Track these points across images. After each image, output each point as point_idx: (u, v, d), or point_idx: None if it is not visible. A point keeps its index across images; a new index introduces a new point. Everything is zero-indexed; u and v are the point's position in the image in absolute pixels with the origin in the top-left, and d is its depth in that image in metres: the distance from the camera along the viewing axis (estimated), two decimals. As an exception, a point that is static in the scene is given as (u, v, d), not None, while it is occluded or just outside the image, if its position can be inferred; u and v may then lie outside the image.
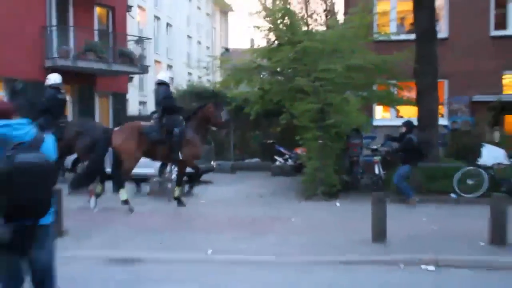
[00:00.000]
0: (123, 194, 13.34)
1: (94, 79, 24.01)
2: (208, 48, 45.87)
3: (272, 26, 16.90)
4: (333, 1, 29.96)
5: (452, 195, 15.04)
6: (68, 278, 7.06)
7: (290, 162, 21.76)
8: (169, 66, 37.78)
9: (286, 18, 16.79)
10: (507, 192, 12.36)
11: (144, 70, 25.56)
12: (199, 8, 43.21)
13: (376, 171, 16.21)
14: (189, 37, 41.02)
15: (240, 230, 11.42)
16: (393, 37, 18.80)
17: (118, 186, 13.76)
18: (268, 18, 17.03)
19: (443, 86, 20.51)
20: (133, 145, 13.41)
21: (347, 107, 15.49)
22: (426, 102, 16.29)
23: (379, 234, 10.15)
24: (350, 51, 16.30)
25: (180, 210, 13.86)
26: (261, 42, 19.60)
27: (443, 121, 19.73)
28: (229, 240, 10.49)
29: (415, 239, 10.42)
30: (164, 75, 14.80)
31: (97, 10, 25.15)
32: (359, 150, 17.02)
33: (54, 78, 15.75)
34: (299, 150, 22.16)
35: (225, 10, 50.13)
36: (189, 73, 39.50)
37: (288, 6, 17.28)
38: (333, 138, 15.58)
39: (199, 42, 43.40)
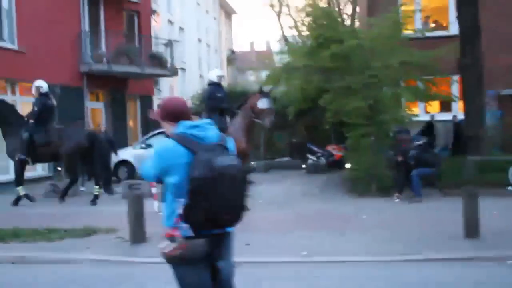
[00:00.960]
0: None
1: (126, 82, 23.25)
2: (216, 51, 45.23)
3: (314, 25, 16.32)
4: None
5: (510, 188, 14.45)
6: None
7: (322, 159, 21.06)
8: (182, 69, 37.10)
9: (326, 17, 16.28)
10: None
11: (174, 72, 24.90)
12: (207, 11, 42.50)
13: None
14: (199, 40, 40.26)
15: (317, 229, 10.75)
16: (428, 34, 18.18)
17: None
18: (308, 18, 16.49)
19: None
20: None
21: (395, 103, 14.99)
22: (473, 97, 15.74)
23: (472, 229, 9.51)
24: (390, 48, 15.76)
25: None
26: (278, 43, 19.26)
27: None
28: (316, 240, 9.81)
29: (507, 234, 9.74)
30: (212, 74, 13.87)
31: (124, 14, 24.34)
32: (408, 145, 16.34)
33: (44, 85, 14.70)
34: (330, 148, 21.61)
35: (229, 13, 49.54)
36: (201, 76, 38.78)
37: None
38: (383, 135, 15.01)
39: (208, 45, 42.67)
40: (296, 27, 28.82)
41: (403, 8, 18.02)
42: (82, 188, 16.65)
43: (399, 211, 12.59)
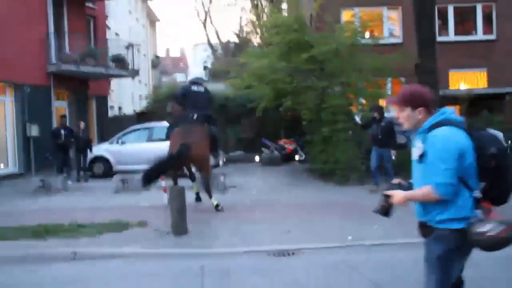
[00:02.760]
0: None
1: (87, 83, 21.84)
2: (145, 55, 43.72)
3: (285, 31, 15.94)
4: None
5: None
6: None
7: (275, 153, 20.71)
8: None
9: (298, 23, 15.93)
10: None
11: (134, 73, 23.76)
12: (137, 19, 41.02)
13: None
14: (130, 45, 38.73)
15: (337, 216, 10.35)
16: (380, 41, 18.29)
17: None
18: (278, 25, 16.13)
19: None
20: None
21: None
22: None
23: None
24: (350, 54, 15.73)
25: (247, 201, 12.44)
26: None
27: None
28: (346, 226, 9.40)
29: None
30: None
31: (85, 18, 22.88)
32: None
33: None
34: (282, 142, 21.32)
35: (153, 21, 48.19)
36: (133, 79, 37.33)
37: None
38: (358, 129, 14.87)
39: (138, 50, 41.12)
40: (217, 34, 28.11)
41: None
42: (70, 182, 15.45)
43: None
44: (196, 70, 13.88)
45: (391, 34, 21.80)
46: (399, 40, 21.19)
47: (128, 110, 34.20)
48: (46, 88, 19.08)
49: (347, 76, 15.02)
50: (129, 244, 8.42)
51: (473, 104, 20.74)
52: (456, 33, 22.49)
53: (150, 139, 17.62)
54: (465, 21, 23.35)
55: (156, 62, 48.11)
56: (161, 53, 65.75)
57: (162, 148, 16.73)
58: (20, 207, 12.34)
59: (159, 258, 7.91)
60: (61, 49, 19.96)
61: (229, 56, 43.27)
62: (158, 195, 13.19)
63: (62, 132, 16.27)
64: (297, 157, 20.83)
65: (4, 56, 16.92)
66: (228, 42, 45.44)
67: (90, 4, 23.24)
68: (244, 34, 46.41)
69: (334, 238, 8.58)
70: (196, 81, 11.95)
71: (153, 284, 6.70)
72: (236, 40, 46.36)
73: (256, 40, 41.28)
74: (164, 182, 12.06)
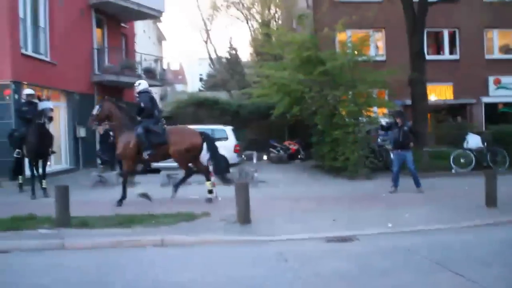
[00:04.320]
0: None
1: (123, 91, 21.34)
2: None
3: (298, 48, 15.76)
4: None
5: (453, 170, 14.70)
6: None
7: (282, 152, 20.54)
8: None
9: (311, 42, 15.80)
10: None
11: (163, 83, 23.34)
12: (149, 37, 40.36)
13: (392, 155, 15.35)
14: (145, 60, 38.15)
15: (368, 205, 10.22)
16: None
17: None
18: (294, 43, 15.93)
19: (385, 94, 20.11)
20: None
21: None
22: (420, 104, 15.85)
23: (492, 200, 9.56)
24: (355, 68, 15.65)
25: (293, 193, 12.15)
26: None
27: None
28: (380, 214, 9.24)
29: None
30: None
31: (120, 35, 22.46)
32: (377, 140, 16.19)
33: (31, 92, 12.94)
34: (287, 143, 21.16)
35: (160, 39, 47.49)
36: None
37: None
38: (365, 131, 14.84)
39: (161, 63, 40.48)
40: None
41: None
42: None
43: (405, 189, 11.87)
44: (144, 82, 13.49)
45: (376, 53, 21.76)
46: (383, 58, 21.20)
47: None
48: (90, 96, 18.64)
49: (355, 86, 14.91)
50: (203, 232, 8.12)
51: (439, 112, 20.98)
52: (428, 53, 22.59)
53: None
54: (434, 43, 23.49)
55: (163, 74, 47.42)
56: (164, 67, 65.00)
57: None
58: (90, 197, 11.94)
59: (234, 244, 7.64)
60: (102, 62, 19.48)
61: (221, 69, 43.03)
62: (199, 188, 12.94)
63: (111, 133, 15.79)
64: (299, 156, 20.74)
65: (61, 69, 16.60)
66: (221, 57, 45.12)
67: (123, 24, 22.76)
68: (234, 51, 46.36)
69: (377, 225, 8.42)
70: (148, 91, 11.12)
71: (243, 268, 6.42)
72: (228, 56, 46.07)
73: (251, 54, 41.00)
74: (213, 178, 11.77)
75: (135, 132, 10.47)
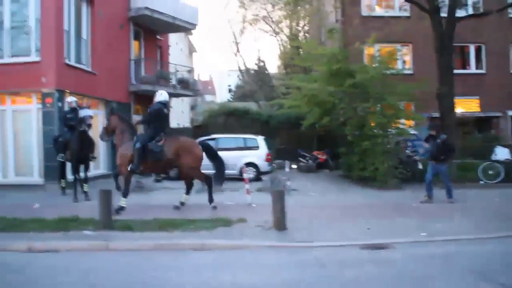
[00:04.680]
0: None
1: (157, 100, 21.60)
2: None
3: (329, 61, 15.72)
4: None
5: (481, 182, 14.42)
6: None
7: (310, 162, 20.43)
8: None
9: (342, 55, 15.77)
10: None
11: (196, 93, 23.54)
12: (181, 49, 40.82)
13: (419, 166, 15.13)
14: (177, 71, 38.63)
15: (400, 215, 10.03)
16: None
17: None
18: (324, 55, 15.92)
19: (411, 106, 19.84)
20: None
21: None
22: (449, 117, 15.59)
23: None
24: (384, 81, 15.51)
25: (330, 201, 12.05)
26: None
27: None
28: (415, 223, 9.09)
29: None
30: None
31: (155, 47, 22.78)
32: (405, 151, 15.95)
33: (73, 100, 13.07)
34: (315, 153, 21.04)
35: (191, 51, 48.00)
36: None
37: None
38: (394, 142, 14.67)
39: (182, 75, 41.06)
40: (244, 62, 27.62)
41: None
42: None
43: (435, 199, 11.70)
44: (165, 94, 13.34)
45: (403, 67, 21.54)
46: (411, 71, 20.95)
47: (173, 123, 33.90)
48: (127, 104, 18.90)
49: (384, 99, 14.78)
50: (241, 237, 8.13)
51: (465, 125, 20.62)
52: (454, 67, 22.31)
53: (215, 148, 17.21)
54: (460, 57, 23.15)
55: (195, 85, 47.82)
56: (195, 78, 65.58)
57: (226, 156, 16.67)
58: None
59: (273, 250, 7.60)
60: (139, 73, 19.75)
61: (250, 80, 43.26)
62: (232, 194, 12.98)
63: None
64: (328, 166, 20.60)
65: (101, 78, 16.91)
66: (249, 69, 45.29)
67: (158, 36, 23.05)
68: (262, 63, 46.58)
69: (410, 233, 8.30)
70: (165, 103, 10.72)
71: (283, 272, 6.40)
72: (256, 67, 46.28)
73: (279, 66, 41.08)
74: (248, 186, 11.80)
75: (133, 145, 10.34)
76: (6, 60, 14.77)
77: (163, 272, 6.37)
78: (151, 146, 10.26)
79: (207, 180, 10.87)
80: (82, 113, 12.35)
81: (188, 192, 10.99)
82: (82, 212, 9.85)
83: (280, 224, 8.58)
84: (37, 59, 14.45)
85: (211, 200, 10.82)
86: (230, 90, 61.60)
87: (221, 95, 67.14)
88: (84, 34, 16.57)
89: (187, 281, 5.99)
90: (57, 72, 14.46)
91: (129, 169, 10.36)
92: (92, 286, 5.83)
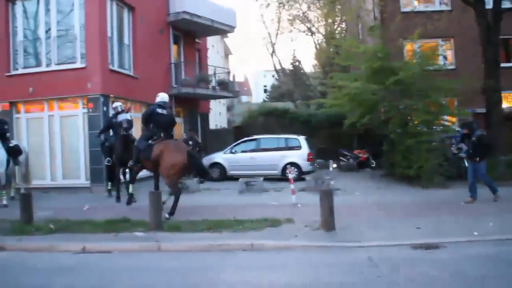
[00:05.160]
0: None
1: (197, 102, 21.84)
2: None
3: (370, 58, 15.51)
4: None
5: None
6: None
7: (351, 161, 20.22)
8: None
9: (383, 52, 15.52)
10: None
11: (235, 94, 23.70)
12: (218, 52, 41.16)
13: (465, 164, 14.68)
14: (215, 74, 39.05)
15: (449, 214, 9.78)
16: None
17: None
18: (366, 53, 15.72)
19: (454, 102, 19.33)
20: None
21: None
22: (495, 112, 15.15)
23: None
24: (427, 77, 15.18)
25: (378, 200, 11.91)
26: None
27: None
28: (464, 223, 8.85)
29: None
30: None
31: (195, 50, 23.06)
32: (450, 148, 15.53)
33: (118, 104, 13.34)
34: (356, 152, 20.80)
35: (227, 53, 48.38)
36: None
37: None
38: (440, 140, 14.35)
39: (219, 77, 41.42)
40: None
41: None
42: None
43: (482, 198, 11.23)
44: (163, 95, 13.16)
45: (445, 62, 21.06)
46: (453, 67, 20.46)
47: (212, 124, 34.17)
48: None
49: (428, 95, 14.48)
50: (290, 237, 8.12)
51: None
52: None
53: (257, 149, 17.34)
54: (504, 50, 22.40)
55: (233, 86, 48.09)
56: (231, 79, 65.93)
57: (267, 156, 16.71)
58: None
59: (323, 250, 7.56)
60: (179, 76, 20.01)
61: (286, 80, 43.16)
62: (276, 195, 12.97)
63: (190, 142, 16.18)
64: (371, 165, 20.32)
65: (143, 82, 17.21)
66: (285, 69, 45.16)
67: (197, 40, 23.30)
68: (297, 63, 46.42)
69: (461, 232, 8.10)
70: (162, 105, 10.66)
71: (336, 273, 6.34)
72: (292, 67, 46.14)
73: (314, 65, 40.84)
74: (293, 186, 11.77)
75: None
76: (53, 67, 15.25)
77: (215, 273, 6.42)
78: (140, 144, 10.55)
79: (176, 192, 10.26)
80: (120, 117, 12.62)
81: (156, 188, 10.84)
82: (129, 214, 10.07)
83: (328, 224, 8.51)
84: (83, 65, 14.86)
85: (172, 213, 9.96)
86: (265, 91, 61.57)
87: (257, 96, 67.21)
88: (126, 39, 16.91)
89: (238, 280, 6.02)
90: (102, 77, 14.82)
91: (128, 164, 11.42)
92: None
